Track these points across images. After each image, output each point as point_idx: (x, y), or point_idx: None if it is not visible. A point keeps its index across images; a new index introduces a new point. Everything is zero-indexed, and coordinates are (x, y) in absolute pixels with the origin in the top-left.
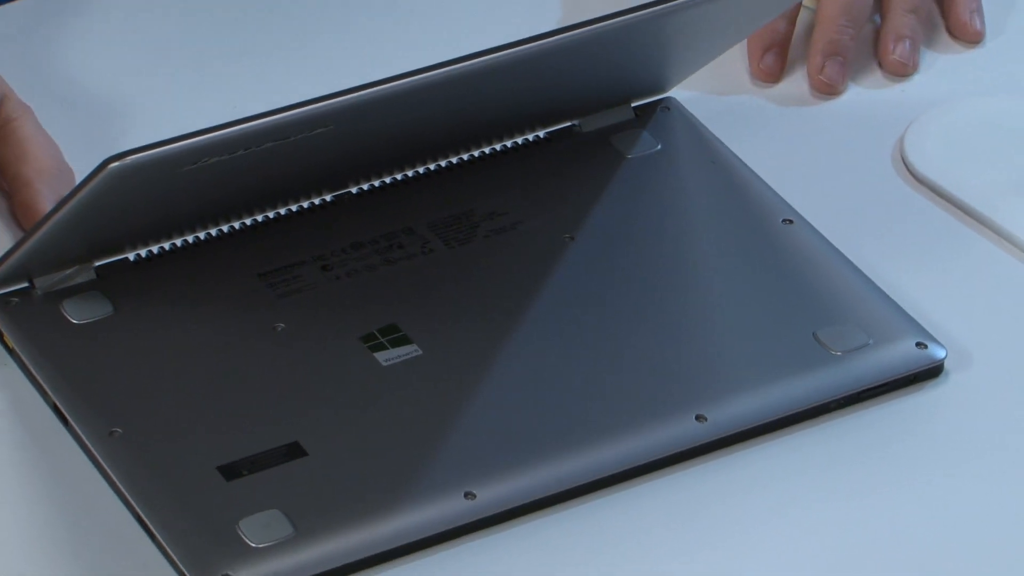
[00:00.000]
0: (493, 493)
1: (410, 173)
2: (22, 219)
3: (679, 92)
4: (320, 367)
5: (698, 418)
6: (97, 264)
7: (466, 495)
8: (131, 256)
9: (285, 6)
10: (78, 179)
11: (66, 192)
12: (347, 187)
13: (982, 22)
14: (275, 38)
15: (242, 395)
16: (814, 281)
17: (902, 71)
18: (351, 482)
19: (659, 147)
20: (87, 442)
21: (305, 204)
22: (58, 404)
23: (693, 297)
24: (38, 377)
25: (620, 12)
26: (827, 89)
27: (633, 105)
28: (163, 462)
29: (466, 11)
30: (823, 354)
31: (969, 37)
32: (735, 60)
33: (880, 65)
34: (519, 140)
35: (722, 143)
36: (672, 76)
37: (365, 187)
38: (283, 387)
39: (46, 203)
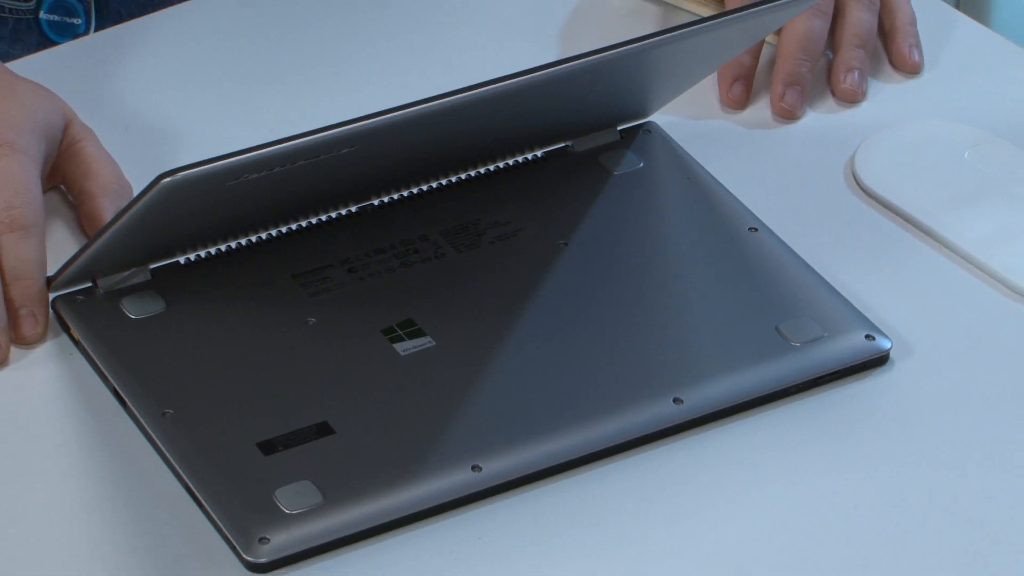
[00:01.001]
0: (497, 466)
1: (424, 187)
2: (87, 228)
3: (659, 117)
4: (346, 356)
5: (675, 401)
6: (152, 266)
7: (473, 468)
8: (182, 259)
9: (315, 43)
10: (135, 193)
11: (125, 204)
12: (370, 199)
13: (920, 55)
14: (307, 71)
15: (278, 380)
16: (776, 281)
17: (852, 98)
18: (373, 457)
19: (641, 165)
20: (143, 422)
21: (333, 214)
22: (117, 389)
23: (671, 295)
24: (100, 365)
25: (607, 47)
26: (787, 114)
27: (619, 128)
28: (209, 439)
29: (474, 46)
30: (784, 345)
31: (909, 69)
32: (707, 89)
33: (833, 93)
34: (519, 159)
35: (696, 161)
36: (652, 103)
37: (385, 199)
38: (313, 374)
39: (108, 214)
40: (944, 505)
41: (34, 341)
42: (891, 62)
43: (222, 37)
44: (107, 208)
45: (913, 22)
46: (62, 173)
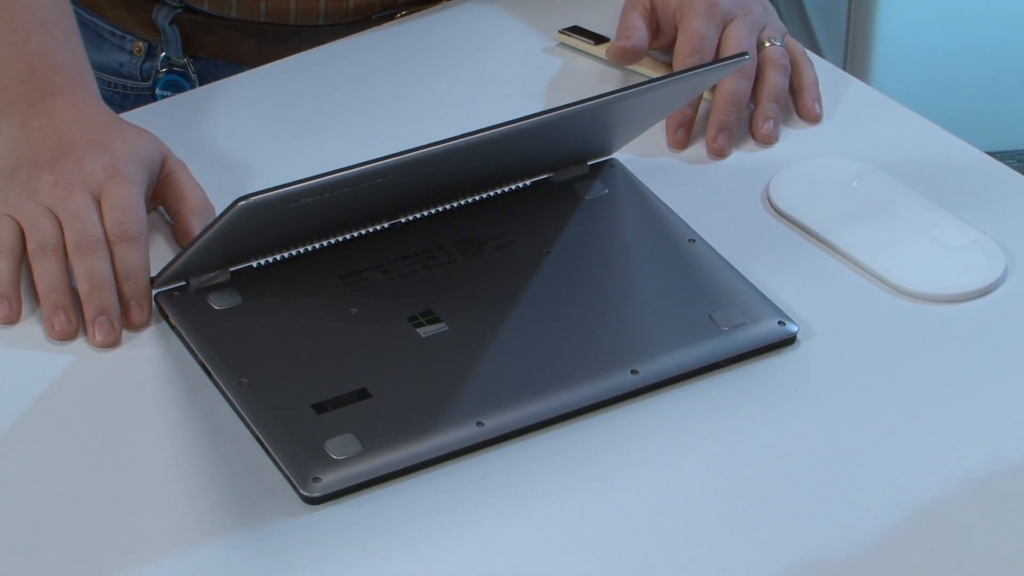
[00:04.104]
0: (496, 422)
1: (439, 208)
2: (180, 240)
3: (620, 155)
4: (380, 338)
5: (633, 372)
6: (231, 269)
7: (477, 424)
8: (255, 264)
9: (355, 100)
10: (218, 213)
11: (210, 222)
12: (398, 217)
13: (820, 108)
14: (349, 120)
15: (328, 356)
16: (710, 280)
17: (768, 141)
18: (401, 415)
19: (606, 192)
20: (224, 388)
21: (370, 229)
22: (204, 363)
23: (629, 290)
24: (191, 345)
25: (580, 101)
26: (718, 153)
27: (588, 163)
28: (275, 401)
29: (477, 101)
30: (715, 329)
31: (812, 118)
32: (657, 133)
33: (753, 136)
34: (512, 187)
35: (648, 188)
36: (615, 144)
37: (410, 217)
38: (355, 351)
39: (196, 230)
40: (836, 450)
41: (141, 326)
42: (798, 113)
43: (286, 94)
44: (196, 225)
45: (815, 83)
46: (161, 197)
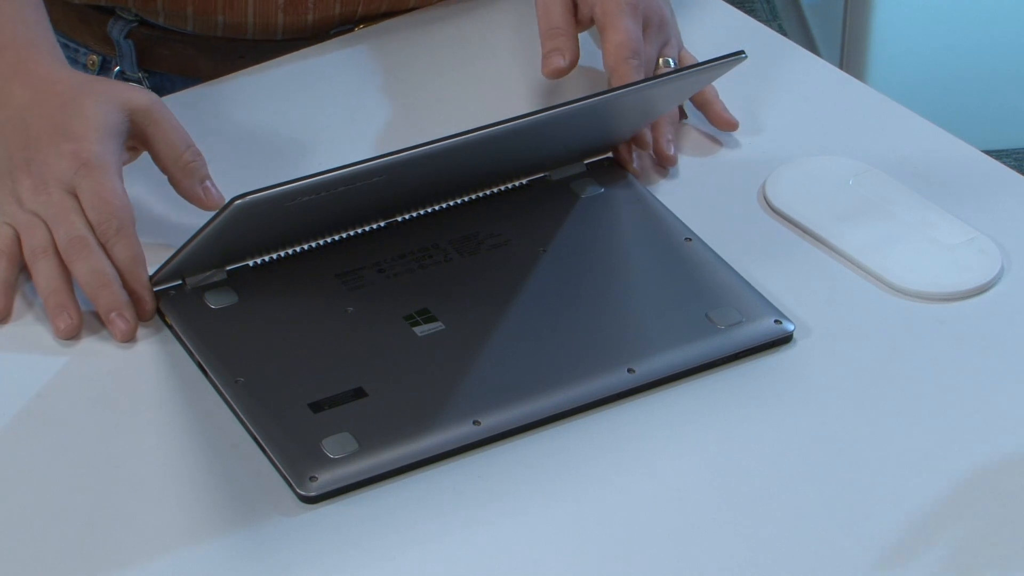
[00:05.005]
0: (492, 421)
1: (436, 207)
2: (177, 190)
3: None
4: (376, 337)
5: (629, 371)
6: (227, 268)
7: (474, 423)
8: (251, 263)
9: (352, 99)
10: (207, 164)
11: (194, 173)
12: (394, 216)
13: (731, 115)
14: (346, 120)
15: (324, 355)
16: (706, 279)
17: (673, 163)
18: (397, 414)
19: (602, 190)
20: (220, 387)
21: (366, 228)
22: (200, 362)
23: (625, 289)
24: (188, 344)
25: (577, 99)
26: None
27: (585, 162)
28: (272, 400)
29: (474, 100)
30: (711, 328)
31: (730, 127)
32: None
33: (658, 158)
34: (509, 185)
35: (644, 187)
36: (612, 142)
37: (406, 216)
38: (352, 350)
39: (180, 187)
40: (833, 448)
41: (147, 318)
42: (714, 124)
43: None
44: (180, 182)
45: (717, 92)
46: (144, 149)
